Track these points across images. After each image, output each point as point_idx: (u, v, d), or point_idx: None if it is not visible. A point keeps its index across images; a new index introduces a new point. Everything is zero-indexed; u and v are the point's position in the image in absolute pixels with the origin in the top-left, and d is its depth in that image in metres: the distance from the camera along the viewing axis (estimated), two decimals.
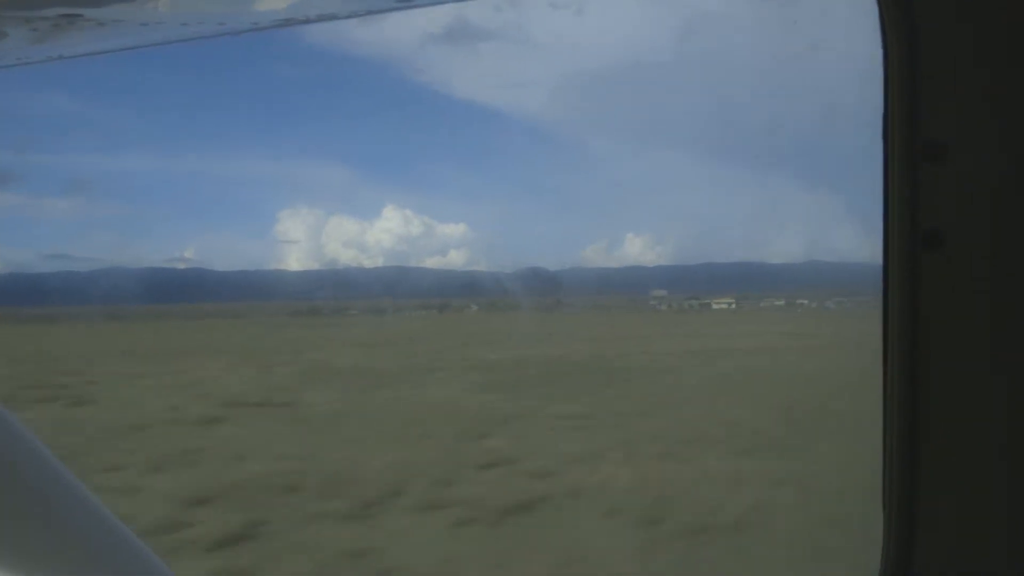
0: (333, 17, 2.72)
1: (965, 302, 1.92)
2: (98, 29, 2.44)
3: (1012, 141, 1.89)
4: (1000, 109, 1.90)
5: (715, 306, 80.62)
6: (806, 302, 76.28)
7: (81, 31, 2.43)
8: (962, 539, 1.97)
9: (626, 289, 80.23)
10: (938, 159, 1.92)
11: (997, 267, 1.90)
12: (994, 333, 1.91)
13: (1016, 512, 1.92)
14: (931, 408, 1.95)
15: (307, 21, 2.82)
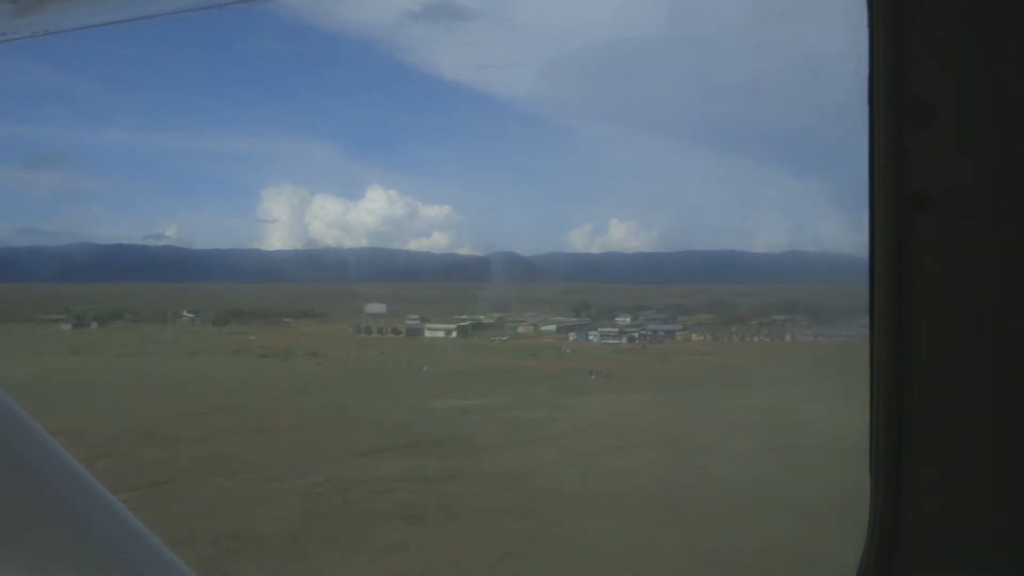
0: None
1: (952, 264, 1.89)
2: (81, 2, 2.65)
3: (999, 101, 1.85)
4: (987, 68, 1.86)
5: (428, 333, 74.51)
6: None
7: (64, 4, 2.61)
8: (950, 525, 1.93)
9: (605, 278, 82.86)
10: (924, 120, 1.88)
11: (984, 229, 1.88)
12: (982, 297, 1.88)
13: (1005, 495, 1.90)
14: (918, 371, 1.91)
15: None
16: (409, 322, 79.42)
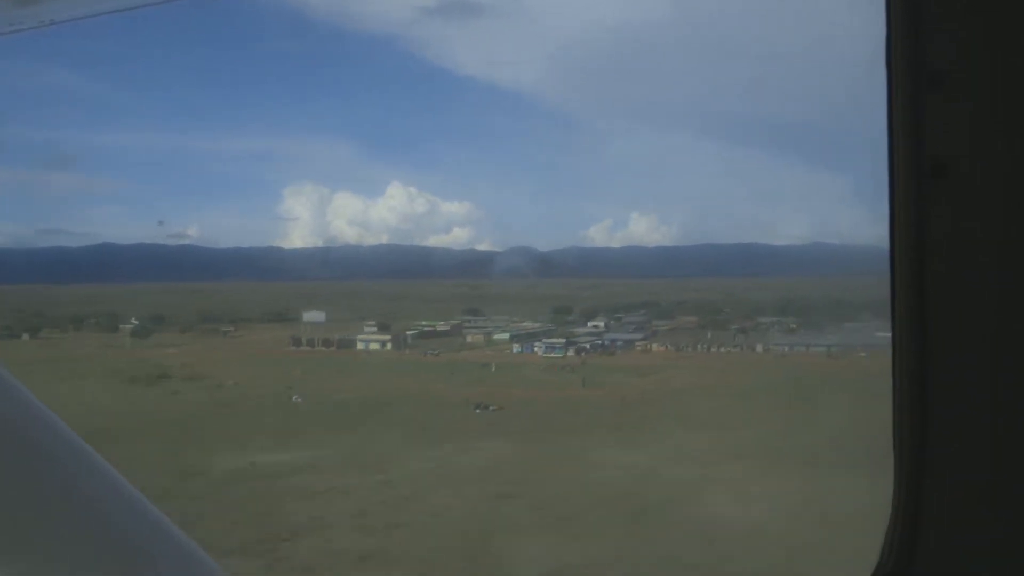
0: None
1: (972, 231, 1.87)
2: None
3: (1016, 68, 1.84)
4: (1003, 35, 1.86)
5: (360, 345, 67.87)
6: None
7: None
8: (967, 523, 1.92)
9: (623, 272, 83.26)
10: (942, 87, 1.87)
11: (1004, 195, 1.86)
12: (1002, 264, 1.87)
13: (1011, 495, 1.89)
14: (939, 336, 1.89)
15: None
16: (367, 329, 72.65)
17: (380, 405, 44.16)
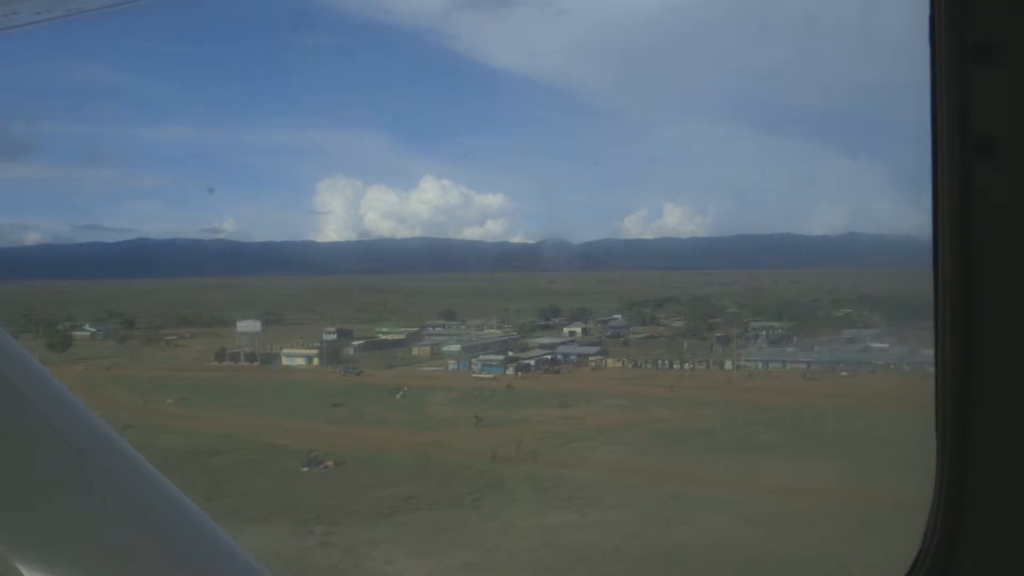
0: None
1: (1021, 211, 1.77)
2: None
3: None
4: None
5: (285, 360, 62.14)
6: None
7: None
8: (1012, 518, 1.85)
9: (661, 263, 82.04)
10: (988, 60, 1.78)
11: None
12: None
13: None
14: (985, 325, 1.79)
15: None
16: (326, 335, 65.15)
17: (205, 455, 33.64)
